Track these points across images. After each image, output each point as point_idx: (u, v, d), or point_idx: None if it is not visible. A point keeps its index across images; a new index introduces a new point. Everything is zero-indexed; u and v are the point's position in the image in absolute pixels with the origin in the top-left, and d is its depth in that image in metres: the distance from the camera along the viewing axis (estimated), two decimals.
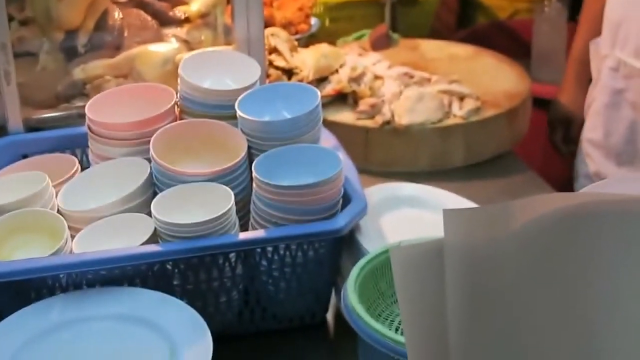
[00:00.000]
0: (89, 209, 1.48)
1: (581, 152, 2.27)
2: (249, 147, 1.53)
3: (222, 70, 1.66)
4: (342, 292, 1.31)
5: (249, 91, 1.58)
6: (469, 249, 1.04)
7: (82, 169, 1.61)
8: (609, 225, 1.05)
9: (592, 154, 2.22)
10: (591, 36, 2.25)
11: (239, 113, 1.54)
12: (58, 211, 1.49)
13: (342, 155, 1.55)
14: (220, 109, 1.58)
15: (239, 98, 1.56)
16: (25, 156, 1.68)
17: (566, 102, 2.38)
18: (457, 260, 1.04)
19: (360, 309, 1.24)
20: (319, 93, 1.56)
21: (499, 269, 1.04)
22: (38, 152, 1.68)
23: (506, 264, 1.04)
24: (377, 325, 1.20)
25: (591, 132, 2.21)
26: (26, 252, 1.43)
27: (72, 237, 1.44)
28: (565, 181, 2.52)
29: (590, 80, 2.27)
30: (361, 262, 1.34)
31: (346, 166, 1.53)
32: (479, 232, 1.04)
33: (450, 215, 1.05)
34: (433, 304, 1.08)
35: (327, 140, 1.65)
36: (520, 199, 1.11)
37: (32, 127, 1.76)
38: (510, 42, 3.33)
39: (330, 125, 1.79)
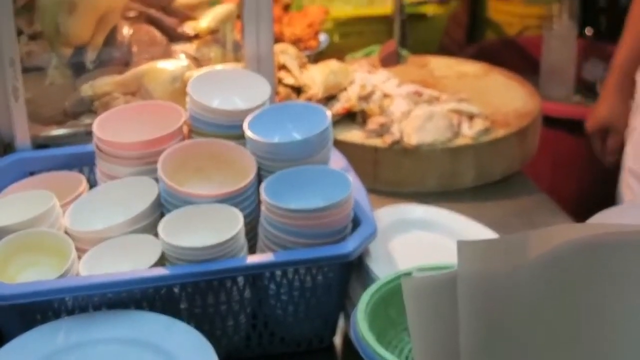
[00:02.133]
0: (96, 229, 1.47)
1: (623, 179, 2.23)
2: (258, 168, 1.52)
3: (232, 88, 1.64)
4: (351, 320, 1.29)
5: (258, 111, 1.57)
6: (484, 280, 1.03)
7: (90, 188, 1.60)
8: (622, 256, 1.04)
9: (632, 184, 2.18)
10: (637, 45, 2.21)
11: (248, 134, 1.52)
12: (65, 230, 1.47)
13: (352, 177, 1.53)
14: (230, 128, 1.57)
15: (248, 118, 1.55)
16: (32, 173, 1.67)
17: (605, 111, 2.34)
18: (472, 291, 1.03)
19: (370, 338, 1.23)
20: (329, 114, 1.55)
21: (514, 300, 1.03)
22: (45, 170, 1.67)
23: (521, 295, 1.03)
24: (388, 355, 1.19)
25: (632, 161, 2.18)
26: (33, 272, 1.41)
27: (79, 256, 1.42)
28: (573, 201, 2.51)
29: (632, 91, 2.24)
30: (371, 289, 1.32)
31: (356, 188, 1.52)
32: (493, 264, 1.03)
33: (464, 247, 1.04)
34: (444, 335, 1.07)
35: (337, 161, 1.64)
36: (535, 230, 1.10)
37: (39, 144, 1.75)
38: (519, 58, 3.32)
39: (338, 144, 1.78)
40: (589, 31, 3.39)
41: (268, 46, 1.73)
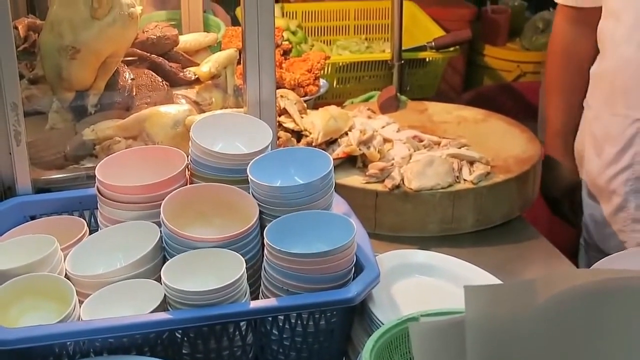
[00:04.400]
0: (97, 274, 1.46)
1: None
2: (261, 212, 1.52)
3: (234, 133, 1.65)
4: None
5: (260, 155, 1.57)
6: (491, 324, 1.03)
7: (91, 232, 1.59)
8: (626, 301, 1.04)
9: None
10: (571, 110, 2.32)
11: (250, 178, 1.52)
12: (66, 275, 1.46)
13: (354, 221, 1.53)
14: (232, 173, 1.57)
15: (251, 162, 1.55)
16: (32, 217, 1.66)
17: (567, 174, 2.41)
18: (479, 335, 1.03)
19: None
20: (331, 159, 1.55)
21: (521, 343, 1.03)
22: (46, 214, 1.66)
23: (528, 338, 1.03)
24: None
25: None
26: (34, 316, 1.40)
27: (81, 301, 1.41)
28: (573, 244, 2.51)
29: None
30: (375, 335, 1.31)
31: (358, 233, 1.51)
32: (500, 309, 1.03)
33: (471, 291, 1.04)
34: None
35: (339, 205, 1.64)
36: (540, 276, 1.10)
37: (40, 187, 1.74)
38: (516, 104, 3.35)
39: (339, 188, 1.78)
40: None
41: (270, 92, 1.73)
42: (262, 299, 1.47)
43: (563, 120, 2.40)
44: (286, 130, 2.10)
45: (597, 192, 2.28)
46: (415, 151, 2.12)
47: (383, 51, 3.03)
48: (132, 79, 1.91)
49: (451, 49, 2.91)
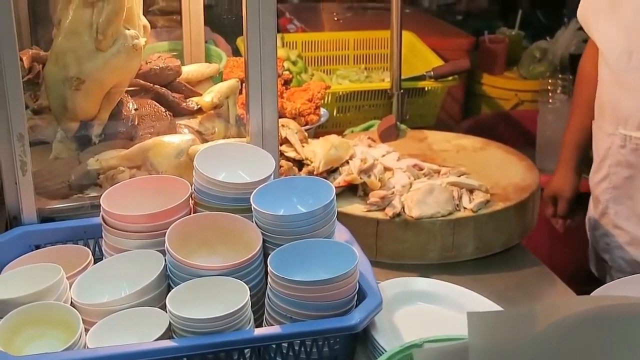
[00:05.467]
0: (102, 302, 1.48)
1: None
2: (264, 241, 1.53)
3: (237, 162, 1.67)
4: None
5: (263, 184, 1.59)
6: (494, 350, 1.04)
7: (95, 260, 1.61)
8: (625, 327, 1.06)
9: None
10: (583, 125, 2.46)
11: (254, 206, 1.54)
12: (71, 303, 1.48)
13: (356, 249, 1.55)
14: (236, 202, 1.59)
15: (254, 191, 1.57)
16: (37, 247, 1.68)
17: (555, 182, 2.59)
18: None
19: None
20: (334, 188, 1.57)
21: None
22: (51, 243, 1.68)
23: None
24: None
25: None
26: (40, 344, 1.42)
27: (86, 329, 1.43)
28: (572, 271, 2.52)
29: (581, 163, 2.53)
30: None
31: (360, 261, 1.53)
32: (503, 335, 1.05)
33: (474, 318, 1.06)
34: None
35: (341, 233, 1.66)
36: (542, 303, 1.11)
37: (44, 217, 1.76)
38: (514, 132, 3.38)
39: (340, 216, 1.79)
40: None
41: (272, 122, 1.76)
42: (265, 326, 1.49)
43: (574, 134, 2.55)
44: (288, 159, 2.12)
45: (592, 196, 2.47)
46: (415, 179, 2.14)
47: (382, 80, 3.05)
48: (135, 109, 1.93)
49: (450, 78, 2.94)
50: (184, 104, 2.02)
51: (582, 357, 1.06)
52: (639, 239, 2.31)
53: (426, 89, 2.91)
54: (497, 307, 1.62)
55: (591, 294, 1.52)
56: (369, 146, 2.32)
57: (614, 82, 2.26)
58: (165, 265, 1.51)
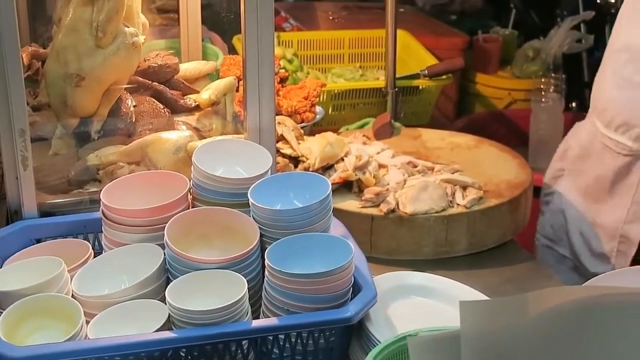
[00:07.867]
0: (103, 294, 1.51)
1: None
2: (261, 235, 1.56)
3: (234, 158, 1.70)
4: None
5: (261, 180, 1.62)
6: (485, 336, 1.07)
7: (95, 254, 1.63)
8: (617, 316, 1.08)
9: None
10: None
11: (251, 201, 1.57)
12: (72, 296, 1.51)
13: (352, 243, 1.58)
14: (233, 196, 1.61)
15: (252, 186, 1.60)
16: (38, 240, 1.71)
17: None
18: (474, 348, 1.07)
19: None
20: (330, 183, 1.60)
21: (514, 355, 1.07)
22: (51, 237, 1.71)
23: (521, 351, 1.07)
24: None
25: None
26: (41, 336, 1.44)
27: (87, 321, 1.46)
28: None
29: None
30: (373, 352, 1.36)
31: (356, 255, 1.56)
32: (494, 322, 1.08)
33: (466, 306, 1.09)
34: None
35: (337, 228, 1.69)
36: (533, 292, 1.14)
37: (45, 211, 1.79)
38: (507, 130, 3.41)
39: (336, 212, 1.82)
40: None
41: (269, 119, 1.79)
42: (263, 318, 1.52)
43: None
44: (284, 156, 2.15)
45: None
46: (409, 176, 2.18)
47: (377, 79, 3.08)
48: (134, 106, 1.96)
49: (444, 77, 2.97)
50: (182, 101, 2.05)
51: (572, 345, 1.08)
52: None
53: (420, 87, 2.94)
54: None
55: (583, 285, 1.55)
56: (364, 143, 2.35)
57: None
58: (165, 259, 1.54)
